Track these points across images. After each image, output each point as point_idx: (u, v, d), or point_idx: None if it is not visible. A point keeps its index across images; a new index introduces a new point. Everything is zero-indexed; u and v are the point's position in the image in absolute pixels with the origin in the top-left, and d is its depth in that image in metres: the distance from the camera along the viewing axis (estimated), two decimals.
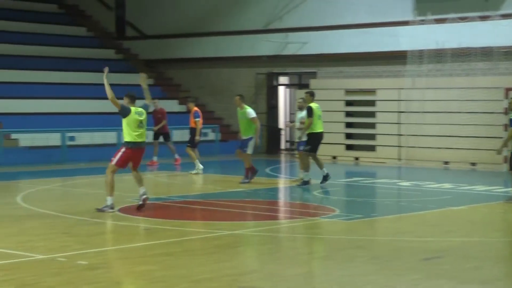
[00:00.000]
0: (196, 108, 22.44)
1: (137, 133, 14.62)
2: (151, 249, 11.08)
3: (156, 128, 24.67)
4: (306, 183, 18.54)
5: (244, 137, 19.53)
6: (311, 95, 19.23)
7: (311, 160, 19.02)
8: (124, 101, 15.01)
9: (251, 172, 19.37)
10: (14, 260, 10.21)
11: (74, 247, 11.15)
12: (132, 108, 14.75)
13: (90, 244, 11.45)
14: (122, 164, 14.71)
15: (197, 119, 22.04)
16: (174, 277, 9.30)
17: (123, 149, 14.65)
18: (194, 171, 21.67)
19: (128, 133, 14.62)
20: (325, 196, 17.44)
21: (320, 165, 18.95)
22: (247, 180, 19.21)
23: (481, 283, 9.27)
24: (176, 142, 26.07)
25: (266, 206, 16.48)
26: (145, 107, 15.19)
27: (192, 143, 22.10)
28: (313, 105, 18.78)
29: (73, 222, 13.57)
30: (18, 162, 24.10)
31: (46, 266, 9.89)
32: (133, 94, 15.31)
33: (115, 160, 14.62)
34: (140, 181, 14.85)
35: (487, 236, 13.05)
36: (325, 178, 18.78)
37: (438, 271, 9.88)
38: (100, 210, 14.37)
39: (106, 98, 26.46)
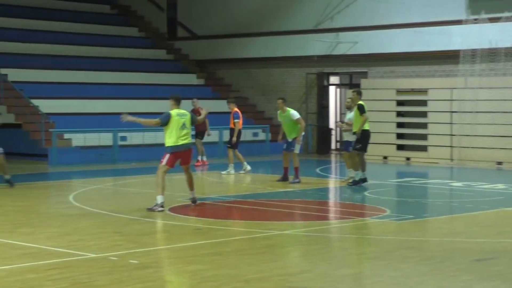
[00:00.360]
0: (236, 109, 22.40)
1: (180, 136, 14.63)
2: (201, 249, 11.12)
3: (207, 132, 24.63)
4: (357, 182, 18.43)
5: (290, 139, 19.55)
6: (359, 94, 19.12)
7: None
8: (170, 103, 15.01)
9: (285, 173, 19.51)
10: (67, 259, 10.33)
11: (125, 246, 11.25)
12: (172, 112, 14.72)
13: (141, 243, 11.53)
14: (171, 164, 14.83)
15: (236, 120, 22.02)
16: (224, 277, 9.32)
17: (167, 155, 14.72)
18: (225, 172, 21.76)
19: (170, 138, 14.63)
20: (376, 197, 17.34)
21: (364, 167, 18.87)
22: (297, 180, 19.20)
23: None
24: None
25: (315, 206, 16.45)
26: (193, 116, 15.31)
27: (231, 144, 22.10)
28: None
29: (124, 221, 13.69)
30: (70, 161, 24.32)
31: (98, 265, 9.98)
32: (177, 96, 15.31)
33: (164, 161, 14.76)
34: (191, 185, 15.12)
35: None
36: (363, 180, 18.59)
37: (490, 272, 9.79)
38: (150, 210, 14.51)
39: (157, 98, 26.93)
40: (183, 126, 14.64)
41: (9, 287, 8.77)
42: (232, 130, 22.19)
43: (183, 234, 12.47)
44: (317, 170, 23.73)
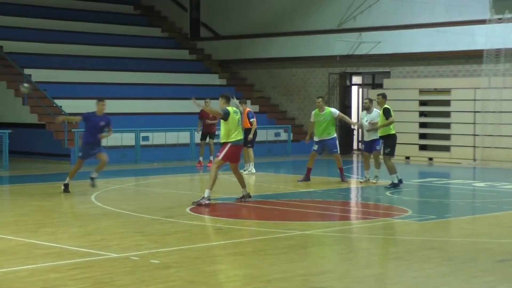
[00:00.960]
0: (248, 109, 22.62)
1: (237, 131, 15.50)
2: (223, 249, 11.15)
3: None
4: (395, 185, 18.39)
5: (327, 137, 19.63)
6: (384, 97, 19.05)
7: (380, 160, 19.06)
8: (220, 102, 15.74)
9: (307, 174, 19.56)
10: (89, 259, 10.37)
11: (147, 246, 11.27)
12: (230, 109, 15.43)
13: (163, 243, 11.56)
14: (227, 159, 15.56)
15: (252, 119, 22.12)
16: (246, 277, 9.34)
17: (228, 146, 15.36)
18: (246, 172, 21.83)
19: (229, 133, 15.38)
20: (398, 197, 17.31)
21: (378, 166, 19.02)
22: (345, 180, 19.47)
23: None
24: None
25: (337, 206, 16.46)
26: (237, 107, 16.20)
27: (251, 143, 22.19)
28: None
29: (146, 221, 13.73)
30: (92, 161, 24.36)
31: (120, 264, 10.01)
32: (227, 94, 16.01)
33: (221, 155, 15.40)
34: (242, 182, 15.85)
35: None
36: (400, 182, 18.55)
37: None
38: (197, 203, 15.01)
39: (179, 99, 26.98)
40: (239, 123, 15.53)
41: (31, 286, 8.82)
42: (247, 130, 22.24)
43: (204, 234, 12.50)
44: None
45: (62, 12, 33.51)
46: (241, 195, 16.06)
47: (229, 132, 15.39)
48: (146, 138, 26.10)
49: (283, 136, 29.57)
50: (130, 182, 20.56)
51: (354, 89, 31.62)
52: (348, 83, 31.37)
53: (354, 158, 28.88)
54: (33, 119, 26.47)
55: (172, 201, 16.21)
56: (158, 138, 26.41)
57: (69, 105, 26.42)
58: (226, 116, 15.29)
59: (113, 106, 27.77)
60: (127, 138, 25.66)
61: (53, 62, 29.29)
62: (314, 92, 30.91)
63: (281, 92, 31.92)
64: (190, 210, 14.75)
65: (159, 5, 36.85)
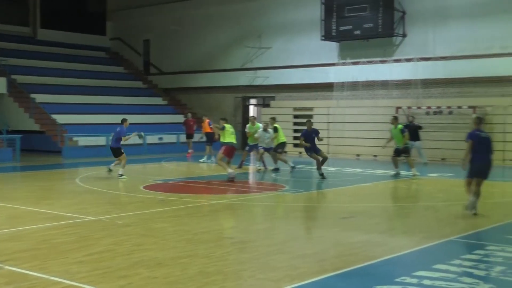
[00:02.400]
0: (208, 120, 22.75)
1: (232, 137, 16.60)
2: (165, 213, 11.09)
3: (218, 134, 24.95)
4: (277, 170, 18.70)
5: (256, 143, 19.57)
6: (274, 119, 19.39)
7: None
8: (221, 122, 16.78)
9: None
10: (74, 221, 10.19)
11: (114, 212, 11.13)
12: (227, 125, 16.61)
13: (125, 210, 11.45)
14: (226, 155, 16.46)
15: (211, 125, 22.22)
16: (181, 231, 9.32)
17: (224, 147, 16.45)
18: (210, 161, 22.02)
19: (226, 137, 16.49)
20: (280, 177, 17.47)
21: (285, 161, 19.00)
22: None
23: (380, 233, 9.36)
24: (183, 143, 26.33)
25: (241, 184, 16.51)
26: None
27: (210, 142, 22.41)
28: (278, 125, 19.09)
29: (114, 195, 13.56)
30: (77, 155, 24.12)
31: (96, 224, 9.88)
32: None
33: (221, 152, 16.47)
34: (228, 165, 16.54)
35: (384, 203, 13.15)
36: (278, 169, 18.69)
37: (351, 226, 9.97)
38: (230, 179, 15.86)
39: (136, 113, 26.53)
40: (233, 132, 16.79)
41: (36, 239, 8.63)
42: (208, 134, 22.58)
43: (153, 203, 12.41)
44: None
45: (58, 56, 33.05)
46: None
47: (226, 137, 16.46)
48: None
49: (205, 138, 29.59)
50: (103, 169, 20.18)
51: (251, 107, 31.79)
52: (247, 103, 31.50)
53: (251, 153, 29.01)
54: (37, 127, 26.09)
55: (131, 182, 16.00)
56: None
57: (61, 118, 26.17)
58: (223, 128, 16.50)
59: (91, 118, 27.49)
60: (101, 140, 25.38)
61: (51, 89, 28.69)
62: (226, 110, 30.97)
63: (205, 110, 31.76)
64: (144, 187, 14.60)
65: (122, 52, 36.32)
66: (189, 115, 26.88)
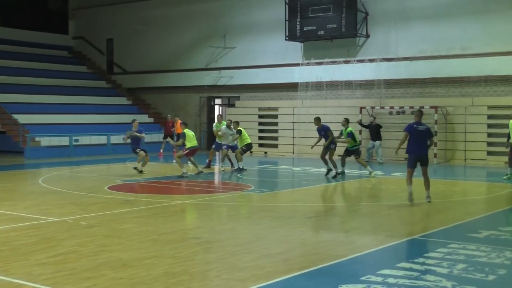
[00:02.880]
0: (180, 121, 22.56)
1: (194, 141, 17.45)
2: (130, 213, 10.99)
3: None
4: (241, 170, 18.53)
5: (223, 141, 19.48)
6: (237, 123, 19.26)
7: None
8: (182, 127, 17.82)
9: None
10: (37, 222, 10.03)
11: (77, 212, 10.98)
12: (186, 130, 17.51)
13: (89, 210, 11.29)
14: (187, 155, 17.34)
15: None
16: (146, 232, 9.25)
17: (187, 150, 17.22)
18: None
19: (188, 143, 17.24)
20: (245, 177, 17.48)
21: (240, 160, 18.88)
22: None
23: (345, 232, 9.44)
24: (147, 143, 26.15)
25: (206, 184, 16.49)
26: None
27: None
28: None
29: (77, 196, 13.36)
30: (40, 156, 23.80)
31: (59, 225, 9.73)
32: (186, 122, 18.95)
33: (183, 151, 17.26)
34: (196, 166, 17.67)
35: (349, 202, 13.24)
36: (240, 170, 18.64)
37: (317, 225, 10.04)
38: (181, 177, 16.68)
39: (100, 113, 26.35)
40: (194, 136, 17.61)
41: None
42: (178, 135, 22.27)
43: (117, 204, 12.29)
44: (206, 160, 23.68)
45: (19, 55, 32.49)
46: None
47: (188, 141, 17.21)
48: (77, 140, 25.58)
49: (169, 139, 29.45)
50: (66, 170, 19.91)
51: (217, 107, 31.74)
52: (212, 103, 31.43)
53: (217, 153, 28.91)
54: None
55: (95, 182, 15.81)
56: (85, 140, 25.91)
57: (23, 118, 25.74)
58: (184, 136, 17.33)
59: (54, 118, 27.11)
60: (63, 140, 25.08)
61: (12, 89, 28.17)
62: (191, 109, 30.84)
63: (169, 110, 31.60)
64: (108, 188, 14.44)
65: (85, 51, 35.82)
66: (169, 116, 26.88)
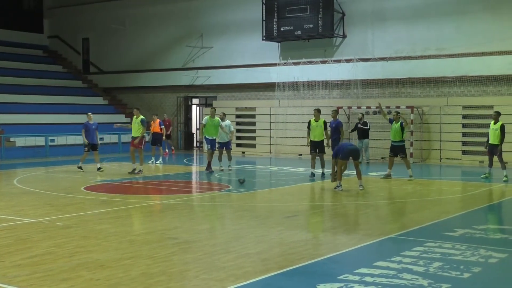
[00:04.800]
0: (159, 120, 22.33)
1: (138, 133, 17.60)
2: (107, 214, 10.91)
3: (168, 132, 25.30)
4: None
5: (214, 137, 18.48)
6: (318, 112, 17.14)
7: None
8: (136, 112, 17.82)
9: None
10: (12, 223, 9.91)
11: (54, 213, 10.88)
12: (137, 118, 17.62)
13: (65, 211, 11.18)
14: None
15: (162, 126, 22.03)
16: (123, 232, 9.19)
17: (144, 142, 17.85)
18: (157, 162, 21.72)
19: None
20: (223, 177, 17.46)
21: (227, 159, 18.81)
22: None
23: (322, 232, 9.48)
24: (124, 143, 25.94)
25: (184, 184, 16.44)
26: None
27: (159, 143, 22.01)
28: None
29: (53, 196, 13.23)
30: (15, 156, 23.53)
31: (35, 226, 9.62)
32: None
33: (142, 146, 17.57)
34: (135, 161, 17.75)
35: (326, 202, 13.31)
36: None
37: (294, 225, 10.06)
38: (132, 172, 17.20)
39: (75, 113, 26.18)
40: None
41: None
42: (157, 134, 21.99)
43: (94, 204, 12.20)
44: (184, 160, 23.64)
45: None
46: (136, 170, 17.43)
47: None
48: (52, 140, 25.32)
49: (147, 138, 29.23)
50: (42, 170, 19.70)
51: (194, 107, 31.67)
52: (190, 103, 31.35)
53: (194, 152, 28.92)
54: None
55: (71, 183, 15.66)
56: (61, 140, 25.66)
57: None
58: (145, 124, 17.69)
59: (29, 118, 26.81)
60: (39, 140, 24.80)
61: None
62: (168, 109, 30.71)
63: (145, 109, 31.43)
64: (84, 188, 14.32)
65: (61, 50, 35.48)
66: (165, 115, 26.95)
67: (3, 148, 23.70)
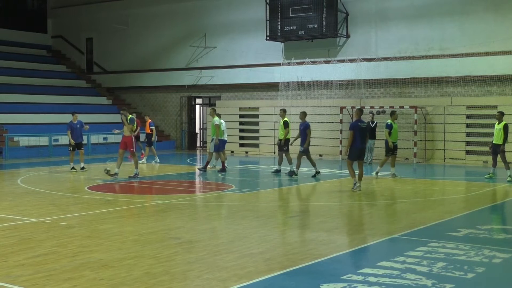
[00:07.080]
0: (150, 120, 22.35)
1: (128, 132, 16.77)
2: (110, 214, 10.91)
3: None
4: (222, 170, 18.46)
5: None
6: (217, 114, 18.66)
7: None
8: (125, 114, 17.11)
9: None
10: (16, 223, 9.91)
11: (57, 213, 10.88)
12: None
13: (68, 211, 11.19)
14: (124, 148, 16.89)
15: (152, 127, 22.01)
16: (126, 232, 9.18)
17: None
18: (154, 162, 21.74)
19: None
20: (226, 177, 17.45)
21: (223, 159, 18.89)
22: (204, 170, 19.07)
23: (325, 231, 9.45)
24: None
25: (187, 184, 16.43)
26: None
27: (149, 143, 21.90)
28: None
29: (57, 196, 13.24)
30: (18, 156, 23.55)
31: (38, 226, 9.62)
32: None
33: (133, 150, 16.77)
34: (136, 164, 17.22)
35: (329, 201, 13.29)
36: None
37: (298, 224, 10.04)
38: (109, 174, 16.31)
39: (79, 113, 26.37)
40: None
41: None
42: (148, 134, 22.04)
43: (98, 204, 12.19)
44: (188, 160, 23.63)
45: (0, 55, 32.25)
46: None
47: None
48: (56, 140, 25.33)
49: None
50: (45, 170, 19.72)
51: (197, 107, 31.67)
52: (193, 103, 31.35)
53: (198, 152, 28.92)
54: None
55: (75, 183, 15.67)
56: (64, 140, 25.56)
57: (1, 118, 25.62)
58: (133, 123, 16.90)
59: (33, 118, 26.85)
60: (43, 140, 24.86)
61: None
62: (171, 109, 30.74)
63: (149, 109, 31.53)
64: (88, 188, 14.33)
65: (64, 50, 35.57)
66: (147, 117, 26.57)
67: (7, 147, 23.74)
